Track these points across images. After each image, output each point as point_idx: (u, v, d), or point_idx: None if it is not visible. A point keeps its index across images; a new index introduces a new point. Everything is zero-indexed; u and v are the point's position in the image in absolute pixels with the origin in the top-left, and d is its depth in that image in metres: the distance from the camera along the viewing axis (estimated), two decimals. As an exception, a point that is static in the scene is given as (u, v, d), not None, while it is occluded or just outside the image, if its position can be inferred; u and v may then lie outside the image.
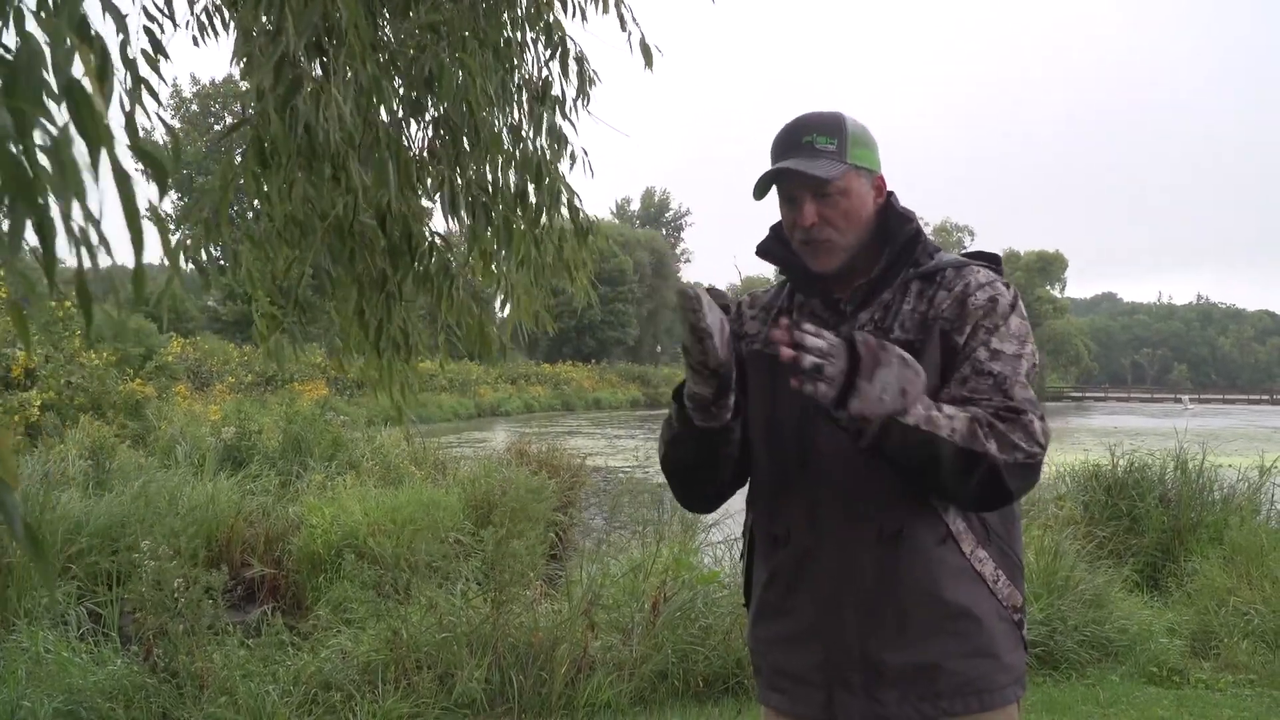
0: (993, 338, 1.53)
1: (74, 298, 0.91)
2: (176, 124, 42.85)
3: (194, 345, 24.62)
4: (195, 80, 44.56)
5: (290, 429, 10.83)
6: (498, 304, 3.28)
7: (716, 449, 1.62)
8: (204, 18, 2.96)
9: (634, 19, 3.17)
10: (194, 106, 44.37)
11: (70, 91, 0.81)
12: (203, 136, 39.70)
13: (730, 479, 1.70)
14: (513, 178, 3.05)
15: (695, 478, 1.71)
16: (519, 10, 3.04)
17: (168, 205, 43.45)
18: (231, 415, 12.49)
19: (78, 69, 0.84)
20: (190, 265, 2.71)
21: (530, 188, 3.01)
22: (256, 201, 2.72)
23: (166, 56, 2.50)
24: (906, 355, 1.42)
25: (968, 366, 1.53)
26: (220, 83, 42.84)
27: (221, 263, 2.94)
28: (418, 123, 2.98)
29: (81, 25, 1.12)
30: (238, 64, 2.84)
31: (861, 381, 1.36)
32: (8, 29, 0.94)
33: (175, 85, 43.90)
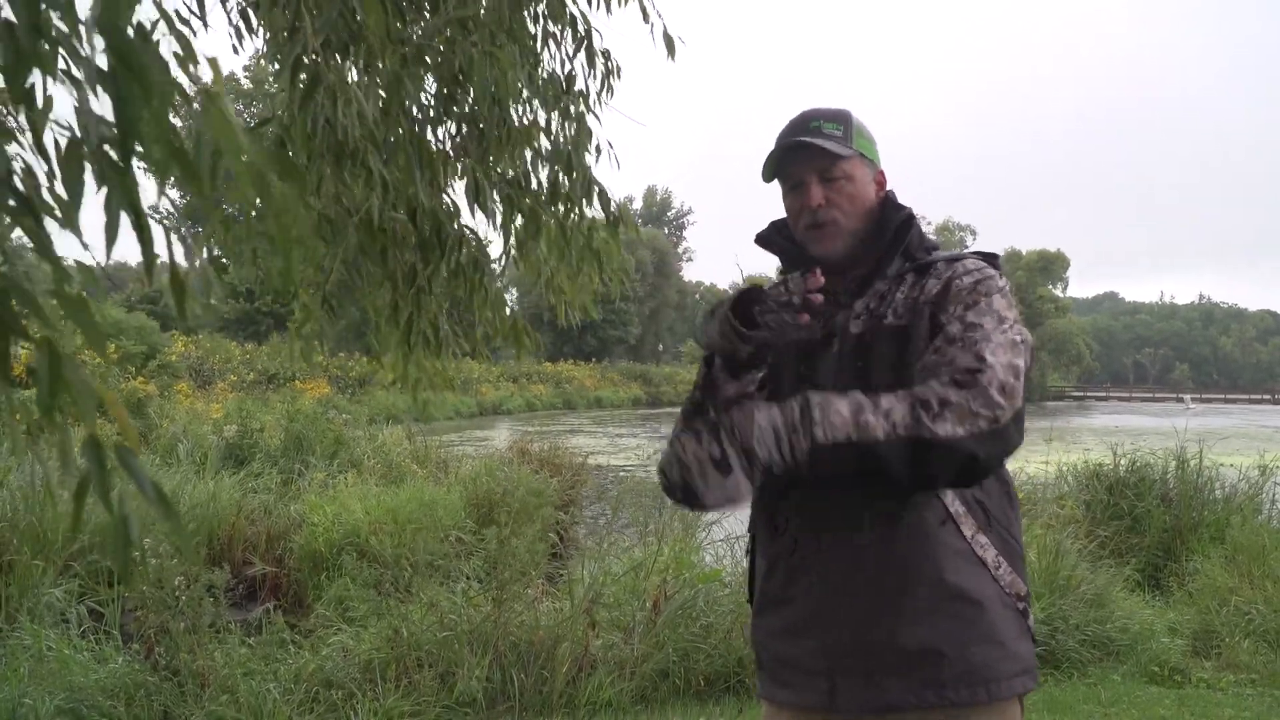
0: (969, 312, 1.52)
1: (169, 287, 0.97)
2: (177, 123, 42.79)
3: (196, 343, 24.64)
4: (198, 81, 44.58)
5: (292, 427, 10.82)
6: (539, 293, 3.32)
7: None
8: (239, 19, 2.97)
9: (656, 11, 3.18)
10: (197, 105, 44.32)
11: (208, 104, 0.83)
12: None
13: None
14: (543, 172, 3.07)
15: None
16: (542, 4, 3.05)
17: (166, 203, 43.58)
18: (233, 413, 12.49)
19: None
20: (182, 261, 2.69)
21: (561, 178, 3.04)
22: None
23: (196, 62, 2.49)
24: (767, 406, 1.42)
25: (940, 337, 1.51)
26: (225, 79, 42.80)
27: (223, 260, 2.94)
28: (450, 118, 2.99)
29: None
30: (270, 64, 2.86)
31: (753, 445, 1.39)
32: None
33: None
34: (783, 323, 1.50)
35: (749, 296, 1.55)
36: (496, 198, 2.93)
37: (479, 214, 2.92)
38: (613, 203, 3.21)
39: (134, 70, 0.79)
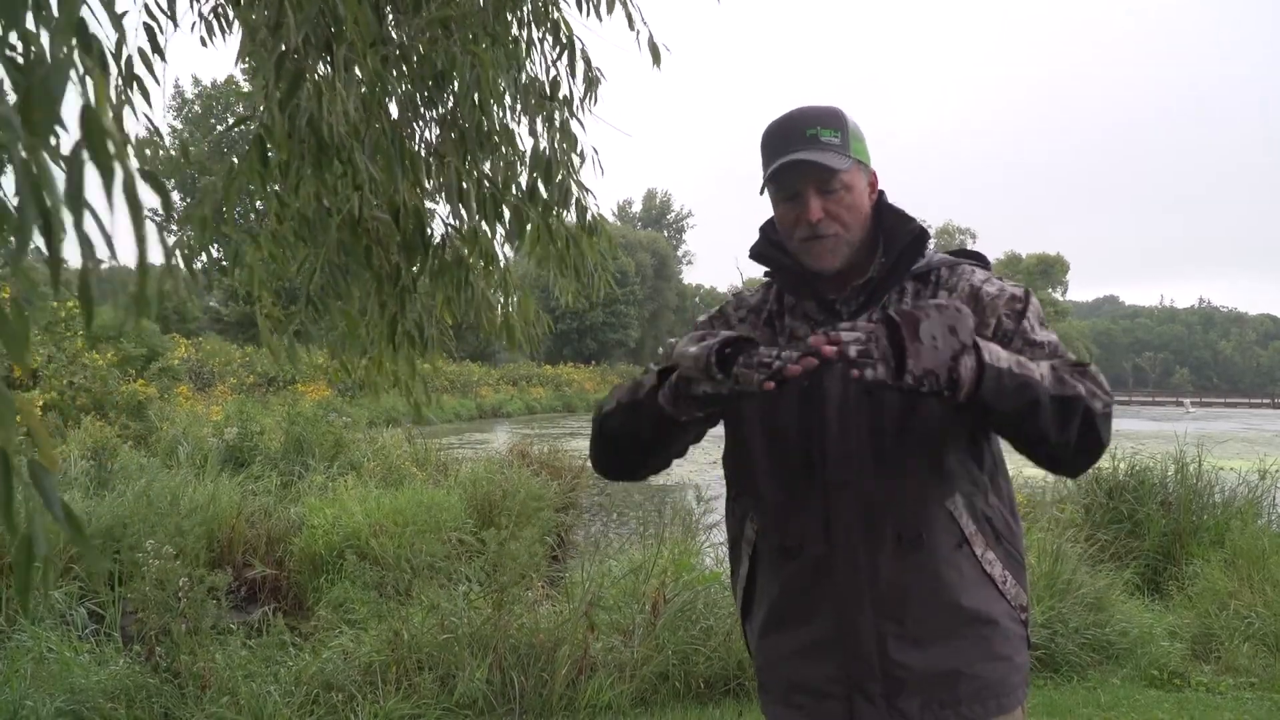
0: (1024, 322, 1.53)
1: (77, 297, 0.94)
2: (178, 125, 43.03)
3: (196, 346, 24.64)
4: (197, 82, 44.63)
5: (292, 430, 10.82)
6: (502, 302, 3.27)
7: (673, 439, 1.56)
8: (211, 17, 2.97)
9: (642, 18, 3.17)
10: (196, 107, 44.42)
11: (86, 119, 0.82)
12: (205, 137, 39.80)
13: (659, 466, 1.66)
14: (523, 177, 3.05)
15: (631, 449, 1.62)
16: (525, 8, 3.04)
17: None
18: (233, 416, 12.48)
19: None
20: (182, 266, 2.62)
21: (540, 186, 3.02)
22: (259, 202, 2.72)
23: (163, 58, 2.49)
24: (942, 302, 1.38)
25: (1019, 341, 1.51)
26: (223, 84, 42.91)
27: (223, 263, 2.94)
28: (424, 121, 2.98)
29: (80, 26, 1.13)
30: (244, 63, 2.84)
31: (910, 344, 1.32)
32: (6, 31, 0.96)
33: (178, 87, 44.05)
34: (751, 380, 1.38)
35: (738, 344, 1.43)
36: (486, 197, 2.91)
37: (462, 213, 2.91)
38: (589, 211, 3.19)
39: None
